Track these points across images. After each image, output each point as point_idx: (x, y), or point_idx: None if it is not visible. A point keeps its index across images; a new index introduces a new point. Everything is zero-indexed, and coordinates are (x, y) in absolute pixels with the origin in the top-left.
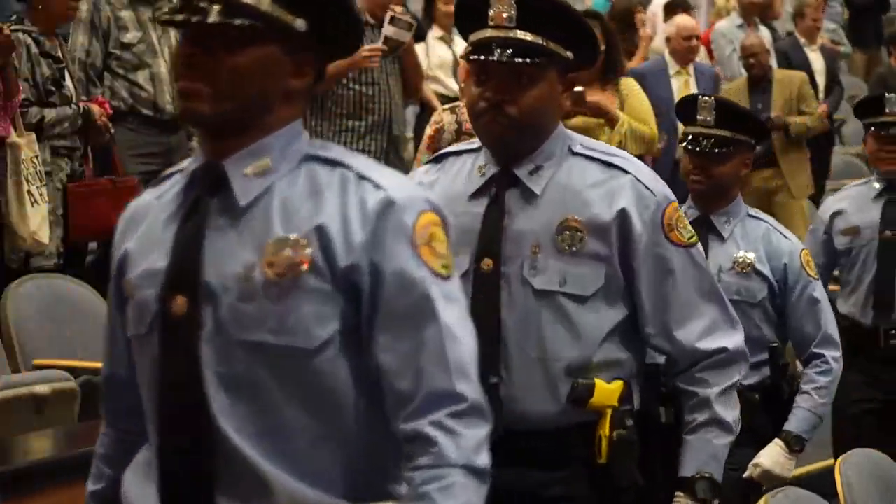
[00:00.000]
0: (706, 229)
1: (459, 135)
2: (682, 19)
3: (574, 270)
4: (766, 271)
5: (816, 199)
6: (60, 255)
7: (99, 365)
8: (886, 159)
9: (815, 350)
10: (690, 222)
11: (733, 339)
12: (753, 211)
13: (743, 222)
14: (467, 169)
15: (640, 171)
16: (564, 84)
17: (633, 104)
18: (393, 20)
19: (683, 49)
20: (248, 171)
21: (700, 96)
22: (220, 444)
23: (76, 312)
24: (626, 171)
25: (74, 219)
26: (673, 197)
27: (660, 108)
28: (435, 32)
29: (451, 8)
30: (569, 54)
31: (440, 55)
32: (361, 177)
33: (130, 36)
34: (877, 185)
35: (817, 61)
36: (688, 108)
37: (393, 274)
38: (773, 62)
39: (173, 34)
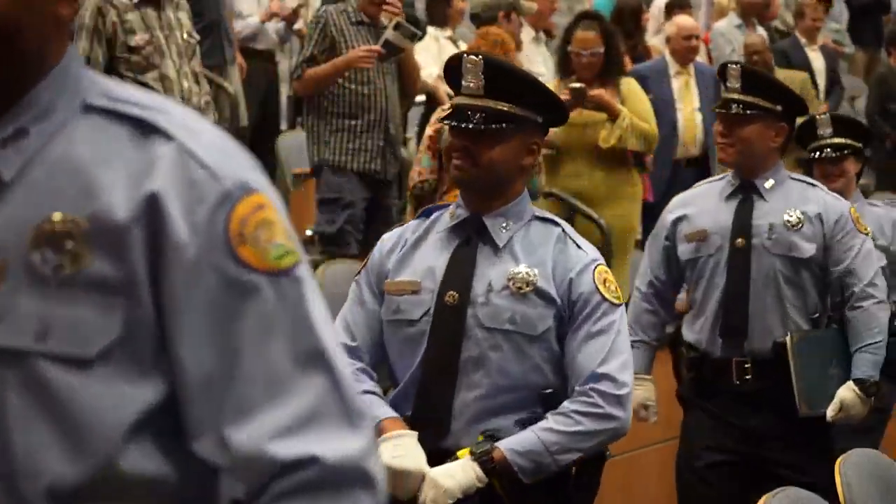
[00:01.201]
0: (477, 235)
1: None
2: (681, 19)
3: (65, 312)
4: (553, 291)
5: None
6: None
7: None
8: (720, 146)
9: (579, 388)
10: (456, 225)
11: (343, 447)
12: (544, 213)
13: (527, 228)
14: None
15: (196, 137)
16: None
17: (634, 103)
18: (398, 26)
19: (683, 49)
20: None
21: (465, 55)
22: None
23: None
24: (169, 137)
25: None
26: (258, 185)
27: (659, 109)
28: (444, 32)
29: (465, 5)
30: None
31: (449, 54)
32: None
33: (138, 38)
34: (733, 182)
35: (817, 61)
36: (453, 72)
37: None
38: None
39: (179, 34)
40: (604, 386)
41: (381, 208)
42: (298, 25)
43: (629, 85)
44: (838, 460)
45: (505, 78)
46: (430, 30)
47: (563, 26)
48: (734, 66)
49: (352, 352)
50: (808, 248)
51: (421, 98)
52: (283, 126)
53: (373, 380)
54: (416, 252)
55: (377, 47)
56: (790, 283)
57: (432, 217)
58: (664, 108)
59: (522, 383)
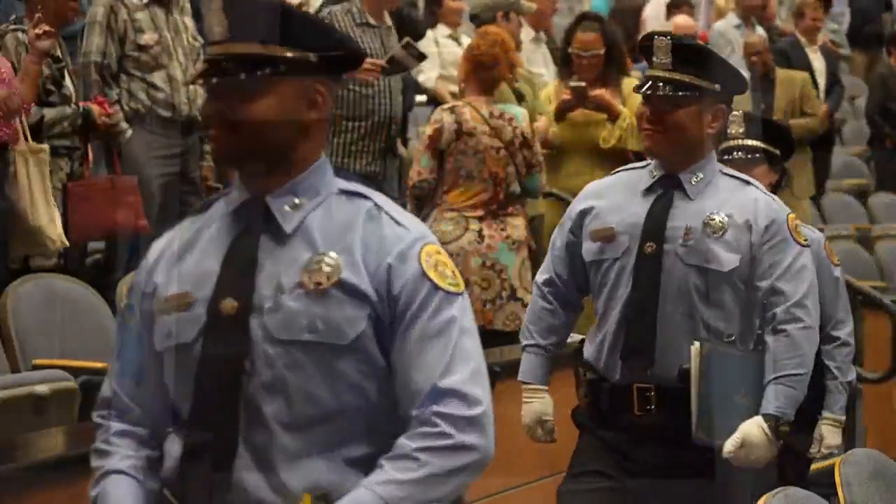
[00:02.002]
0: (260, 221)
1: (459, 135)
2: (679, 19)
3: None
4: (365, 284)
5: (817, 199)
6: (60, 255)
7: (98, 364)
8: (646, 132)
9: (417, 412)
10: (233, 212)
11: None
12: (352, 185)
13: (328, 205)
14: None
15: None
16: None
17: (636, 103)
18: (407, 45)
19: None
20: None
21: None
22: None
23: (76, 312)
24: None
25: (74, 219)
26: None
27: None
28: (443, 31)
29: (461, 4)
30: None
31: (453, 53)
32: None
33: (147, 37)
34: (654, 174)
35: (817, 61)
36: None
37: None
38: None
39: (185, 36)
40: (450, 407)
41: None
42: None
43: (631, 84)
44: (838, 460)
45: (249, 15)
46: (429, 32)
47: (563, 26)
48: (663, 38)
49: (110, 407)
50: (729, 260)
51: (422, 98)
52: None
53: (136, 440)
54: (189, 256)
55: (381, 62)
56: (706, 300)
57: (210, 209)
58: None
59: (338, 410)
